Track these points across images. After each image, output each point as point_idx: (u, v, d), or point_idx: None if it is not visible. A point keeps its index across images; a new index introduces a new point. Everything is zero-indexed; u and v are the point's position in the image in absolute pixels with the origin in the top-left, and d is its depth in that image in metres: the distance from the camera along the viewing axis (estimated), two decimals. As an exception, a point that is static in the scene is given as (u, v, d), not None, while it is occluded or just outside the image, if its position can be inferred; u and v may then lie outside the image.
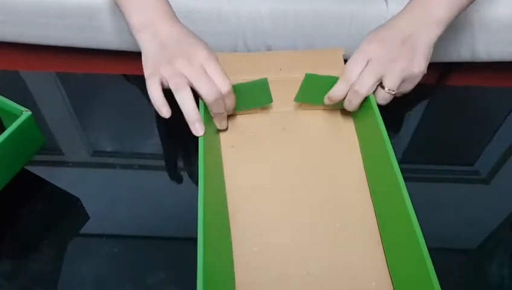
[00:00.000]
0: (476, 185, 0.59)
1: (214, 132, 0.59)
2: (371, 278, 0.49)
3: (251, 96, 0.60)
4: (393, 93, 0.56)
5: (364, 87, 0.55)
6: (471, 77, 0.87)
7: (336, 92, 0.58)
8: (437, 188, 0.58)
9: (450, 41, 0.79)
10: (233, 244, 0.51)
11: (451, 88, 0.74)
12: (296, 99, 0.62)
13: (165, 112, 0.53)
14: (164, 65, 0.54)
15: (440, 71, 0.87)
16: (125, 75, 0.71)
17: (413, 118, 0.66)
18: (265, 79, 0.59)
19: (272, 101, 0.62)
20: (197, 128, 0.53)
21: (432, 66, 0.84)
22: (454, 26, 0.77)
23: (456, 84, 0.85)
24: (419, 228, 0.44)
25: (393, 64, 0.55)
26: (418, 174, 0.59)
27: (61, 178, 0.58)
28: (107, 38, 0.79)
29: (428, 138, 0.64)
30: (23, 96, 0.65)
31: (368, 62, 0.56)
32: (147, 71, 0.55)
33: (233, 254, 0.50)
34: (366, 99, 0.57)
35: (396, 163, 0.49)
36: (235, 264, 0.49)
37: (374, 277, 0.49)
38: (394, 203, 0.49)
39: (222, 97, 0.54)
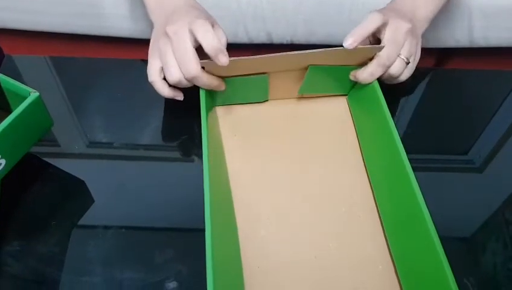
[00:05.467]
0: (469, 174, 0.60)
1: (215, 120, 0.60)
2: (378, 261, 0.51)
3: (247, 92, 0.60)
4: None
5: (399, 71, 0.57)
6: (468, 63, 0.87)
7: (370, 77, 0.57)
8: (431, 177, 0.59)
9: (447, 27, 0.79)
10: (239, 229, 0.52)
11: (444, 72, 0.75)
12: (300, 91, 0.62)
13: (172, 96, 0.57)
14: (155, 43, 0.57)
15: (437, 57, 0.87)
16: (126, 60, 0.71)
17: (406, 105, 0.66)
18: (266, 76, 0.58)
19: (267, 99, 0.63)
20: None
21: (429, 52, 0.83)
22: (451, 12, 0.77)
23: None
24: (427, 210, 0.45)
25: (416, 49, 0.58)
26: (411, 163, 0.60)
27: (63, 165, 0.58)
28: (108, 25, 0.78)
29: (422, 127, 0.64)
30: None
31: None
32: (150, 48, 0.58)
33: (240, 238, 0.51)
34: (371, 87, 0.58)
35: (402, 147, 0.50)
36: (242, 248, 0.51)
37: (381, 260, 0.51)
38: (401, 188, 0.50)
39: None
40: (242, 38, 0.81)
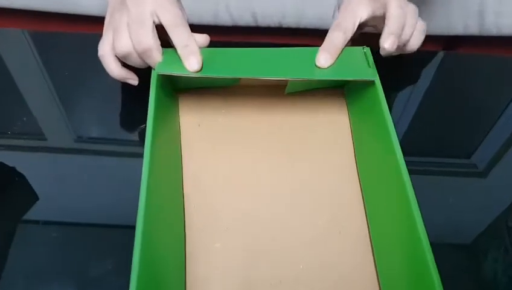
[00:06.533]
0: (472, 179, 0.56)
1: (175, 108, 0.53)
2: (359, 279, 0.43)
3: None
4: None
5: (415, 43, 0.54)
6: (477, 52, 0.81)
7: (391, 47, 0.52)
8: (432, 181, 0.55)
9: (455, 12, 0.73)
10: (189, 238, 0.44)
11: (446, 59, 0.68)
12: (287, 90, 0.54)
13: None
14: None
15: (443, 46, 0.80)
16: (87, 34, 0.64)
17: (408, 107, 0.61)
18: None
19: (238, 83, 0.55)
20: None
21: (435, 40, 0.77)
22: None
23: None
24: (422, 222, 0.39)
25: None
26: (413, 166, 0.55)
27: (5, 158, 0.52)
28: (85, 3, 0.73)
29: (424, 129, 0.59)
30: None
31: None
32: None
33: (187, 251, 0.44)
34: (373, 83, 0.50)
35: (401, 152, 0.44)
36: (189, 260, 0.43)
37: (363, 277, 0.43)
38: (394, 198, 0.43)
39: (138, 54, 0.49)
40: (224, 19, 0.74)
